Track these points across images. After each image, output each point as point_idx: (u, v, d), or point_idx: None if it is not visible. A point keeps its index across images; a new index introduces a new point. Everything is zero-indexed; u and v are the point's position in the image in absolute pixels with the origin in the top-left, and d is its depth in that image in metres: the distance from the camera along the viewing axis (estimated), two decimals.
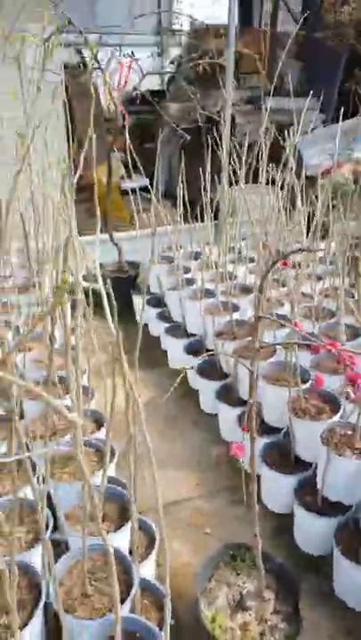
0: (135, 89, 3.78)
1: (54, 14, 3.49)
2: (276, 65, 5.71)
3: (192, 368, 2.56)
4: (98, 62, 2.93)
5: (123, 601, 1.41)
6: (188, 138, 3.13)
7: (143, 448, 1.39)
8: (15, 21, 3.20)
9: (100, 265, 3.84)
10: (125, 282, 3.67)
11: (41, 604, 1.39)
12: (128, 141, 2.98)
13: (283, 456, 2.15)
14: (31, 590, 1.45)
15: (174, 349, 2.99)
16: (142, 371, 3.10)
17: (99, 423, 2.26)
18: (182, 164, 3.06)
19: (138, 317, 3.53)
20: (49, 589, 1.43)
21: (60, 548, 1.74)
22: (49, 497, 1.88)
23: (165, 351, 3.21)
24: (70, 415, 0.81)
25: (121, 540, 1.63)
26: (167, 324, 3.18)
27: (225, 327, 2.74)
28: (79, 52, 4.58)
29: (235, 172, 2.96)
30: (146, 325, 3.48)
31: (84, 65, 4.45)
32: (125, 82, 3.59)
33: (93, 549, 1.56)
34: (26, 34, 1.46)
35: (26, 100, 2.82)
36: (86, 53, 4.38)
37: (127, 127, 2.99)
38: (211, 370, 2.71)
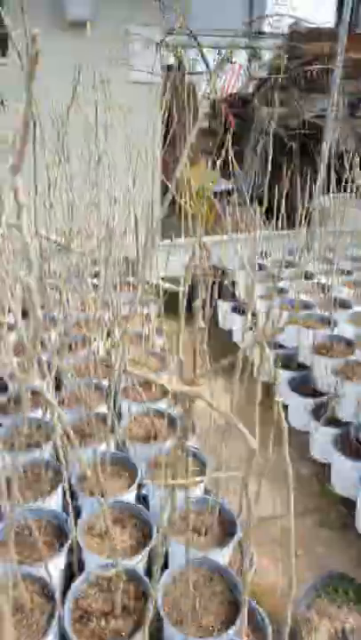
0: (237, 92, 3.75)
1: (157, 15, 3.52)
2: None
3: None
4: (207, 65, 2.91)
5: (231, 622, 1.38)
6: (294, 146, 3.07)
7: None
8: (124, 26, 3.27)
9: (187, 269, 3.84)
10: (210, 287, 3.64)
11: (149, 613, 1.37)
12: (229, 144, 2.94)
13: None
14: (138, 597, 1.44)
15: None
16: (225, 378, 3.06)
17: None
18: (277, 169, 2.98)
19: (222, 323, 3.49)
20: (156, 599, 1.41)
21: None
22: (146, 501, 1.89)
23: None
24: (251, 441, 0.77)
25: (223, 556, 1.60)
26: (255, 333, 3.11)
27: (322, 342, 2.64)
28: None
29: (339, 181, 2.86)
30: (229, 332, 3.44)
31: (181, 66, 4.46)
32: (234, 85, 3.57)
33: (197, 563, 1.53)
34: None
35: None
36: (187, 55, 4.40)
37: (231, 130, 2.95)
38: (302, 385, 2.62)
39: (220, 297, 3.57)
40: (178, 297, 2.42)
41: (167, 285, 2.82)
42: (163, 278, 2.90)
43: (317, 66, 3.26)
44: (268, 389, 3.02)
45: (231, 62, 3.39)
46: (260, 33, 6.03)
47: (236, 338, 3.35)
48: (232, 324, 3.40)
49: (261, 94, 5.39)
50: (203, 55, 2.71)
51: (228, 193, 4.02)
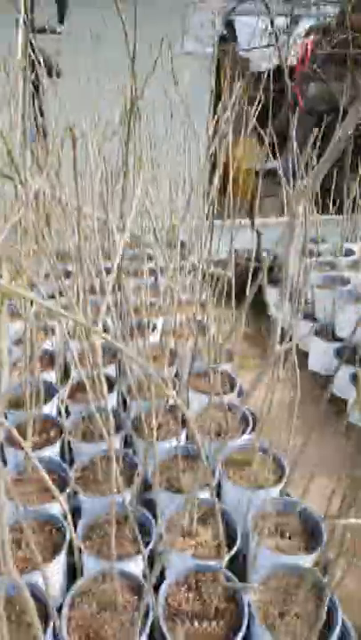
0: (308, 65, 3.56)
1: None
2: None
3: None
4: (276, 37, 2.74)
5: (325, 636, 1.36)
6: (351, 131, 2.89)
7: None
8: None
9: (235, 252, 3.73)
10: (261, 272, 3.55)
11: (245, 615, 1.36)
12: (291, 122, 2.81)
13: None
14: (229, 599, 1.43)
15: (319, 351, 2.86)
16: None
17: (246, 423, 2.17)
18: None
19: (271, 311, 3.41)
20: (248, 600, 1.40)
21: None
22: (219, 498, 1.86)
23: (304, 351, 3.08)
24: None
25: (311, 560, 1.57)
26: (311, 324, 3.04)
27: None
28: (228, 23, 4.38)
29: None
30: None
31: (225, 38, 4.25)
32: (307, 59, 3.37)
33: (284, 567, 1.51)
34: None
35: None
36: (237, 26, 4.18)
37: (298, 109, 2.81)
38: None
39: (270, 282, 3.48)
40: (226, 281, 2.31)
41: (217, 270, 2.72)
42: (212, 262, 2.81)
43: None
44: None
45: (291, 34, 3.21)
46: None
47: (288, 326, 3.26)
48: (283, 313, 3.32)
49: (312, 68, 5.15)
50: (272, 26, 2.53)
51: (275, 172, 3.86)
